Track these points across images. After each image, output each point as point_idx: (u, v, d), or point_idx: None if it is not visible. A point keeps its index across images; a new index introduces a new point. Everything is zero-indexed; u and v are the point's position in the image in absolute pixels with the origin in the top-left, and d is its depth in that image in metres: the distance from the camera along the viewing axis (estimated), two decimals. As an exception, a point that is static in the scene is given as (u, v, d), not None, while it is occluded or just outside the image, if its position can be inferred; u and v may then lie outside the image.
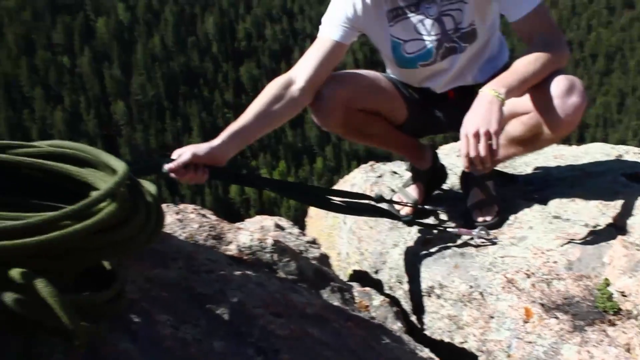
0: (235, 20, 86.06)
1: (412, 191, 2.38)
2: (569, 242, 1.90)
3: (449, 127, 2.24)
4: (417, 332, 1.70)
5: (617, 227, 1.91)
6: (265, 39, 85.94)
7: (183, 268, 1.20)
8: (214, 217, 1.57)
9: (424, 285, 1.94)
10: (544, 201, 2.30)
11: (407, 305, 2.07)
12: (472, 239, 1.99)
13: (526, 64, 1.76)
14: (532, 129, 1.86)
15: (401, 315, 1.60)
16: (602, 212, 2.04)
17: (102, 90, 72.53)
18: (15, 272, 0.79)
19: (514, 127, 1.91)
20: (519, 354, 1.55)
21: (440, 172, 2.52)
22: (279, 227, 2.24)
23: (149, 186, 1.17)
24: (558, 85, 1.74)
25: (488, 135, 1.62)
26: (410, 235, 2.22)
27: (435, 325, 1.87)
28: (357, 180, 2.92)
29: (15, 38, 72.32)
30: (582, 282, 1.68)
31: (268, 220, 2.31)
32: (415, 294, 1.99)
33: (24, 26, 73.71)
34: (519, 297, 1.63)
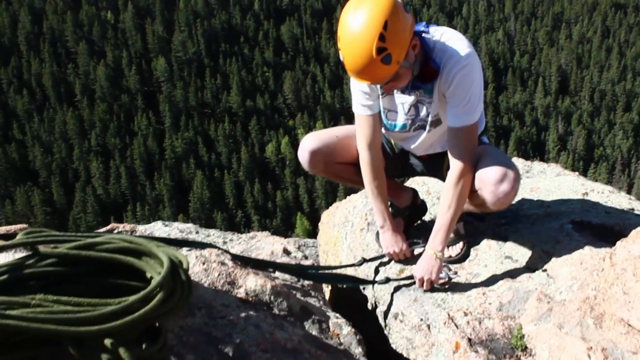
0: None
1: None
2: (508, 284, 2.44)
3: (422, 173, 2.90)
4: (376, 353, 2.27)
5: (548, 275, 2.43)
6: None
7: (205, 315, 1.79)
8: (231, 264, 2.16)
9: (393, 309, 2.52)
10: (505, 239, 2.83)
11: (382, 320, 2.65)
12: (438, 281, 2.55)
13: (445, 215, 2.44)
14: (478, 206, 2.44)
15: (362, 341, 2.16)
16: (541, 258, 2.56)
17: (144, 47, 73.79)
18: (107, 342, 1.38)
19: (466, 205, 2.48)
20: (449, 375, 2.12)
21: (420, 208, 3.08)
22: (286, 251, 2.84)
23: (184, 261, 1.76)
24: (493, 175, 2.28)
25: (429, 280, 2.51)
26: (390, 265, 2.79)
27: (398, 341, 2.44)
28: (358, 203, 3.48)
29: (62, -7, 73.42)
30: (507, 322, 2.23)
31: (278, 245, 2.90)
32: (387, 314, 2.57)
33: (70, -20, 74.72)
34: (454, 332, 2.19)
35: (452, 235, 2.79)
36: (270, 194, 61.29)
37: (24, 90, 65.14)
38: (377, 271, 2.79)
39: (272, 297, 2.08)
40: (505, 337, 2.16)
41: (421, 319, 2.33)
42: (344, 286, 3.03)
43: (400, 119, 2.58)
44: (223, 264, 2.14)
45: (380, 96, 2.57)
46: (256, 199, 60.08)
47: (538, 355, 2.03)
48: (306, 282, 2.52)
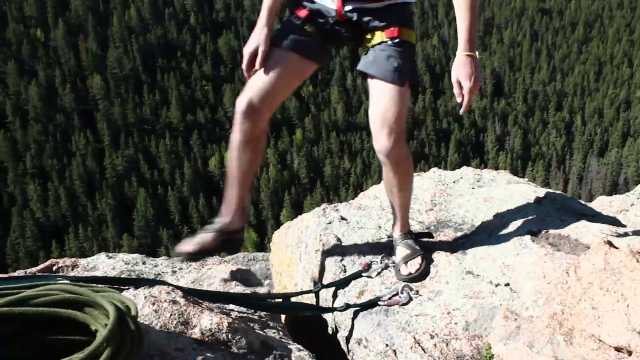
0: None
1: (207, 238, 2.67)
2: (472, 300, 2.38)
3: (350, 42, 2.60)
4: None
5: (511, 289, 2.39)
6: (244, 9, 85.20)
7: (158, 364, 1.65)
8: (183, 302, 2.01)
9: (355, 335, 2.42)
10: (463, 253, 2.78)
11: (344, 346, 2.55)
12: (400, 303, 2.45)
13: (466, 13, 2.25)
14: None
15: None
16: (502, 272, 2.51)
17: (77, 64, 71.74)
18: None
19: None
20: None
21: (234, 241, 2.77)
22: (237, 278, 2.70)
23: (132, 306, 1.61)
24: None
25: (473, 89, 2.26)
26: (349, 287, 2.69)
27: (364, 369, 2.34)
28: (311, 223, 3.37)
29: (-14, 11, 70.83)
30: (474, 342, 2.16)
31: (230, 273, 2.76)
32: (349, 340, 2.47)
33: (-5, -2, 72.23)
34: (421, 357, 2.11)
35: (407, 250, 2.71)
36: (216, 208, 60.55)
37: (-50, 114, 62.40)
38: (335, 295, 2.69)
39: (229, 335, 1.95)
40: (475, 358, 2.10)
41: (386, 345, 2.24)
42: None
43: None
44: (175, 302, 1.99)
45: None
46: (202, 214, 59.26)
47: (509, 376, 1.97)
48: (263, 313, 2.40)
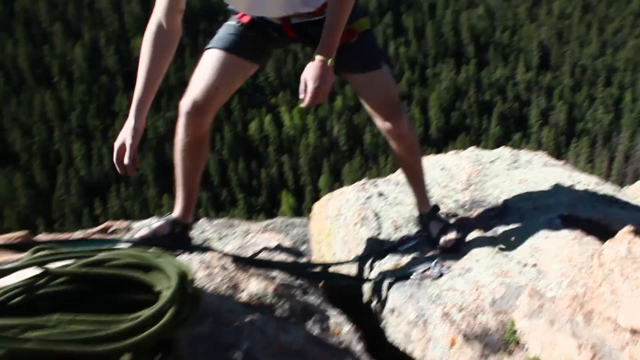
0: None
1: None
2: (500, 279, 2.52)
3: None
4: (374, 348, 2.34)
5: (538, 270, 2.52)
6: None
7: (212, 323, 1.85)
8: (232, 267, 2.21)
9: (388, 305, 2.60)
10: (495, 232, 2.91)
11: (377, 314, 2.73)
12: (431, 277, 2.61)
13: (332, 17, 2.28)
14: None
15: (363, 337, 2.24)
16: (531, 254, 2.64)
17: (121, 26, 72.56)
18: (125, 358, 1.44)
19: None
20: (445, 370, 2.22)
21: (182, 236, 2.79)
22: (281, 248, 2.90)
23: (189, 272, 1.81)
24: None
25: (318, 90, 2.26)
26: (385, 259, 2.86)
27: (395, 335, 2.52)
28: (351, 197, 3.53)
29: (35, -29, 71.91)
30: (500, 317, 2.31)
31: (273, 241, 2.96)
32: (382, 309, 2.65)
33: (43, -42, 73.15)
34: (449, 328, 2.27)
35: (441, 224, 2.85)
36: (255, 172, 61.21)
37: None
38: (371, 267, 2.86)
39: (274, 300, 2.15)
40: (499, 332, 2.25)
41: (417, 315, 2.41)
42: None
43: None
44: (225, 268, 2.20)
45: None
46: (240, 177, 60.00)
47: (530, 350, 2.13)
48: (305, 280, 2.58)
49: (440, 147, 60.77)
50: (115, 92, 66.38)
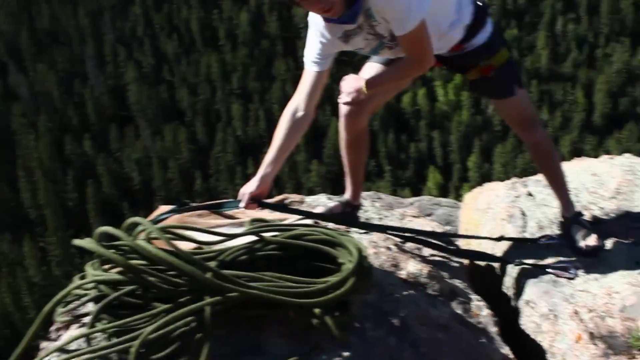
0: None
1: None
2: (633, 288, 2.76)
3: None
4: (506, 332, 2.70)
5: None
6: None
7: (377, 292, 2.34)
8: (394, 249, 2.69)
9: (524, 296, 2.93)
10: (636, 244, 3.11)
11: (513, 302, 3.06)
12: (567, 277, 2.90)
13: (389, 72, 2.78)
14: None
15: (498, 322, 2.61)
16: (669, 270, 2.83)
17: (286, -7, 74.99)
18: (317, 311, 1.97)
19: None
20: (570, 360, 2.54)
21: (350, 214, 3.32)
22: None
23: (364, 249, 2.29)
24: None
25: (349, 95, 2.72)
26: (526, 249, 3.17)
27: (527, 325, 2.86)
28: (500, 194, 3.83)
29: (211, -60, 76.23)
30: (627, 323, 2.58)
31: (427, 227, 3.38)
32: (518, 298, 2.98)
33: None
34: (577, 325, 2.58)
35: (583, 228, 3.10)
36: (404, 145, 61.29)
37: (174, 34, 69.30)
38: (514, 254, 3.18)
39: (427, 279, 2.59)
40: (624, 336, 2.52)
41: (550, 310, 2.73)
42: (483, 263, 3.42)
43: (368, 47, 2.77)
44: (389, 248, 2.68)
45: (343, 43, 2.75)
46: (389, 149, 60.42)
47: (653, 356, 2.39)
48: (453, 263, 2.98)
49: (603, 135, 56.75)
50: (274, 57, 69.31)
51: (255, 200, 2.67)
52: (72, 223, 50.39)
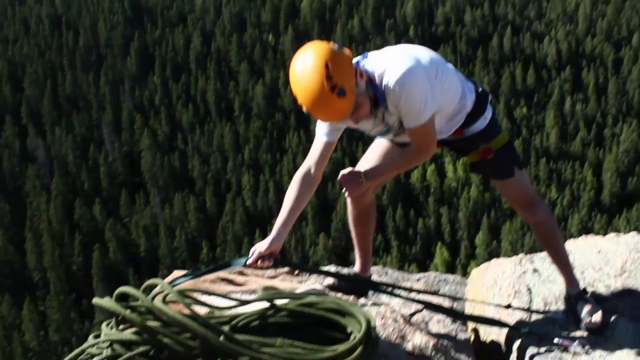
0: (435, 4, 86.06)
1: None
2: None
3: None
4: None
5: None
6: (464, 24, 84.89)
7: (383, 365, 2.38)
8: (401, 321, 2.73)
9: (533, 372, 2.95)
10: (645, 325, 3.12)
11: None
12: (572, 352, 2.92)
13: (392, 161, 2.98)
14: None
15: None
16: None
17: (300, 68, 76.97)
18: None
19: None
20: None
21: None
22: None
23: (372, 320, 2.35)
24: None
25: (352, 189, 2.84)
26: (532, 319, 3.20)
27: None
28: (507, 269, 3.88)
29: (230, 17, 79.20)
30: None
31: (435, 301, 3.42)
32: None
33: (238, 5, 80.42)
34: (584, 402, 2.59)
35: (589, 304, 3.13)
36: (412, 221, 61.20)
37: (190, 104, 71.01)
38: (521, 323, 3.20)
39: (433, 352, 2.63)
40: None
41: (556, 387, 2.74)
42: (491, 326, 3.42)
43: (375, 131, 2.94)
44: (396, 320, 2.72)
45: (353, 122, 2.81)
46: (397, 225, 60.31)
47: None
48: (459, 337, 3.02)
49: (612, 214, 56.54)
50: (287, 130, 70.54)
51: (271, 257, 2.76)
52: (74, 287, 50.10)
